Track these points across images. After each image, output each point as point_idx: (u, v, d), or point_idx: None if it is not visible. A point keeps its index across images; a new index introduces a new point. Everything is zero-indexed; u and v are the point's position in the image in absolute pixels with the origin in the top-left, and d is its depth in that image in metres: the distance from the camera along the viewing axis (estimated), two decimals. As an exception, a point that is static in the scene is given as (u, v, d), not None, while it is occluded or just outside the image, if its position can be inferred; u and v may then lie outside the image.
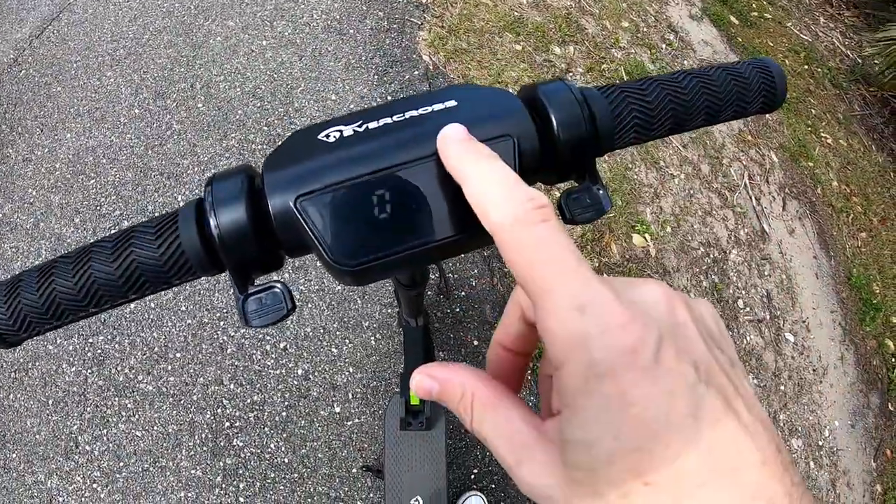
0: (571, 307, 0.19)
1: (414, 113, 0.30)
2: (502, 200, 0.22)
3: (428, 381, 0.25)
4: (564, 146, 0.31)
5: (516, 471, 0.22)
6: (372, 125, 0.30)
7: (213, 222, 0.29)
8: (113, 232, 0.31)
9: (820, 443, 1.83)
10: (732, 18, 2.84)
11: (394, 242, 0.28)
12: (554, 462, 0.20)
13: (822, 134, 2.55)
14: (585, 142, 0.32)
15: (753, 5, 3.03)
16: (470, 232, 0.29)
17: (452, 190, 0.27)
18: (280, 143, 0.32)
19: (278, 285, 0.30)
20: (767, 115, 2.43)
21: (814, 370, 1.93)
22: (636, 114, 0.34)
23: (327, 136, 0.30)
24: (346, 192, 0.28)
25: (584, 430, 0.19)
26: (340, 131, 0.30)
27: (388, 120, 0.30)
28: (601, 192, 0.32)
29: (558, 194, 0.28)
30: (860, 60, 3.00)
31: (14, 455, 1.44)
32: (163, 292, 1.61)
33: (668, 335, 0.19)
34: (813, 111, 2.62)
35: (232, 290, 0.31)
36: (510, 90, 0.34)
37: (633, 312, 0.19)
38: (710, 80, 0.36)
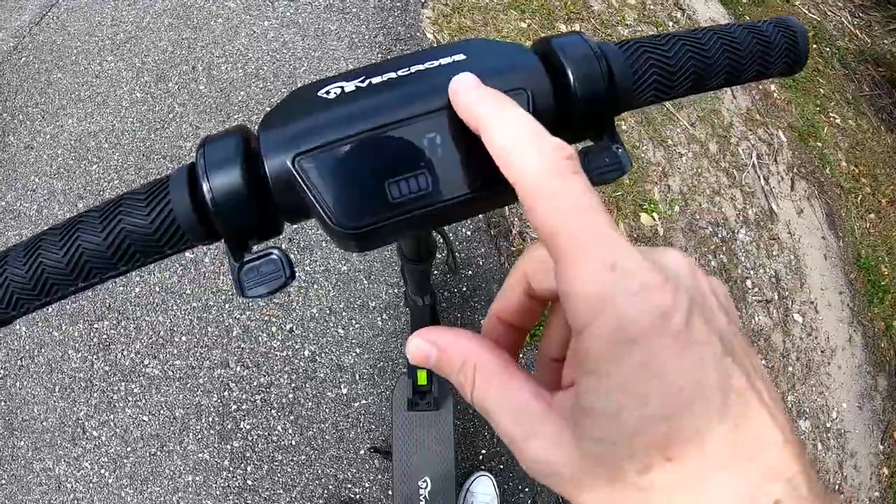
0: (602, 264, 0.18)
1: (420, 67, 0.29)
2: (529, 149, 0.21)
3: (426, 346, 0.23)
4: (581, 102, 0.30)
5: (522, 445, 0.20)
6: (375, 80, 0.28)
7: (206, 186, 0.27)
8: (103, 201, 0.30)
9: (827, 424, 1.83)
10: (740, -4, 2.80)
11: (400, 203, 0.26)
12: (566, 437, 0.19)
13: (831, 114, 2.52)
14: (603, 98, 0.30)
15: (761, -18, 2.98)
16: (484, 190, 0.27)
17: (465, 144, 0.26)
18: (278, 101, 0.30)
19: (275, 252, 0.28)
20: (776, 94, 2.40)
21: (822, 351, 1.92)
22: (655, 70, 0.33)
23: (327, 92, 0.29)
24: (347, 150, 0.26)
25: (609, 399, 0.18)
26: (342, 87, 0.29)
27: (393, 74, 0.29)
28: (620, 150, 0.31)
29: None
30: (869, 41, 2.96)
31: (22, 442, 1.44)
32: (168, 277, 1.60)
33: (696, 303, 0.18)
34: (821, 91, 2.59)
35: (227, 259, 0.29)
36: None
37: (665, 275, 0.18)
38: (732, 38, 0.35)
